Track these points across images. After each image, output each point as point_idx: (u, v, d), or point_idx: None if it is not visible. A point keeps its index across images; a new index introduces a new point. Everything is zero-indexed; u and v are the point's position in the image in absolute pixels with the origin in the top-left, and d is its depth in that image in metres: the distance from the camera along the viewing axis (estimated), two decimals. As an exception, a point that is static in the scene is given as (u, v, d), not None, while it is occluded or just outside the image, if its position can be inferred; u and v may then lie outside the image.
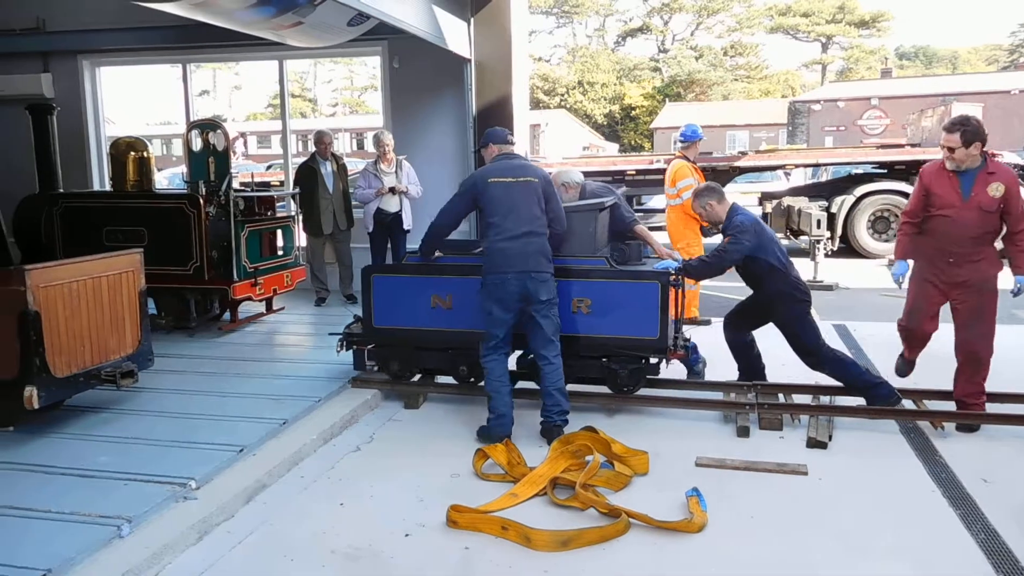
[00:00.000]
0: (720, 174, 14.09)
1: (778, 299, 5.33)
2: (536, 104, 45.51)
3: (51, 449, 4.57)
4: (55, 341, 4.64)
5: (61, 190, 8.09)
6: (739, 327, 5.65)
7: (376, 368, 5.84)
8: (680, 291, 5.38)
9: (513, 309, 4.85)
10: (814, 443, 4.76)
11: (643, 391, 5.60)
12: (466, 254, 5.62)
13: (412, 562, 3.51)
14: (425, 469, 4.50)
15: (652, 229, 16.21)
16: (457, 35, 8.60)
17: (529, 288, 4.81)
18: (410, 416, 5.48)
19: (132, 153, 7.85)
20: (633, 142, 53.06)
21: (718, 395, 5.52)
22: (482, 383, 5.23)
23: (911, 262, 5.15)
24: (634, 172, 14.82)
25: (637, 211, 16.48)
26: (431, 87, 9.42)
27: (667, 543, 3.62)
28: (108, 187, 9.28)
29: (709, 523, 3.76)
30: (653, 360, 5.41)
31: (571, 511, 3.93)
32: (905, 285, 5.20)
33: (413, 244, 6.58)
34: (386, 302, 5.60)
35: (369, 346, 5.80)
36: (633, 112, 55.20)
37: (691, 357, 5.83)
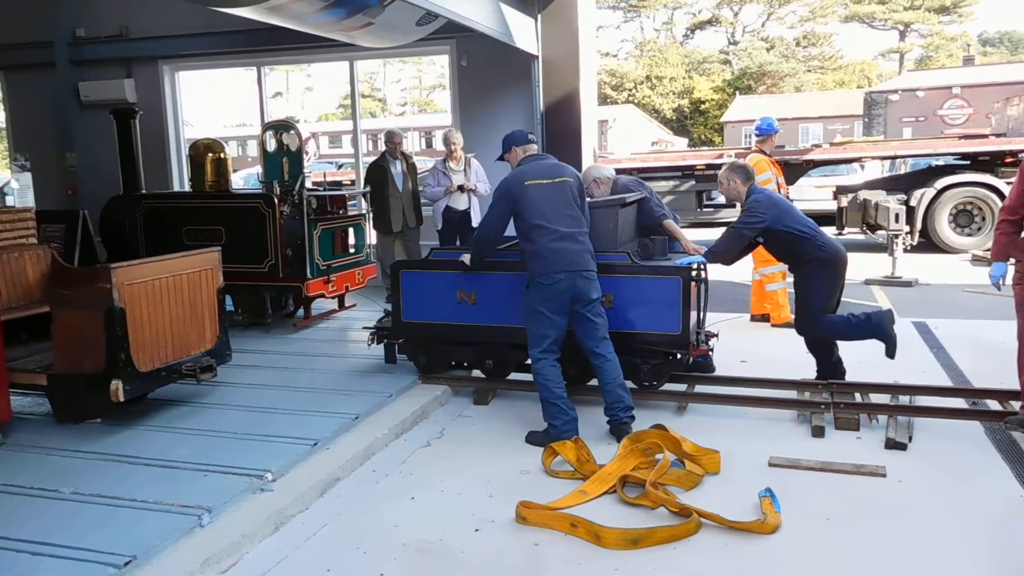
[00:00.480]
0: (793, 168, 13.78)
1: (809, 262, 5.40)
2: (604, 100, 45.17)
3: (136, 441, 4.75)
4: (139, 336, 4.81)
5: (144, 191, 8.39)
6: None
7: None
8: (702, 286, 5.41)
9: (565, 310, 4.80)
10: (893, 444, 4.62)
11: (715, 389, 5.54)
12: (491, 250, 5.63)
13: (482, 557, 3.54)
14: (494, 465, 4.53)
15: (723, 224, 16.02)
16: (525, 32, 8.61)
17: (580, 287, 4.78)
18: (480, 412, 5.51)
19: (210, 154, 8.09)
20: (703, 136, 52.29)
21: (792, 394, 5.41)
22: (510, 376, 5.39)
23: (1011, 264, 4.79)
24: (704, 167, 14.62)
25: (707, 207, 16.33)
26: (499, 84, 9.46)
27: (739, 544, 3.57)
28: (187, 188, 9.59)
29: (783, 524, 3.68)
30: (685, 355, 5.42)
31: (641, 509, 3.90)
32: (1007, 287, 4.86)
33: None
34: (414, 297, 5.73)
35: (399, 340, 5.93)
36: (703, 106, 54.38)
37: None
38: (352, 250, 8.37)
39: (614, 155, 20.45)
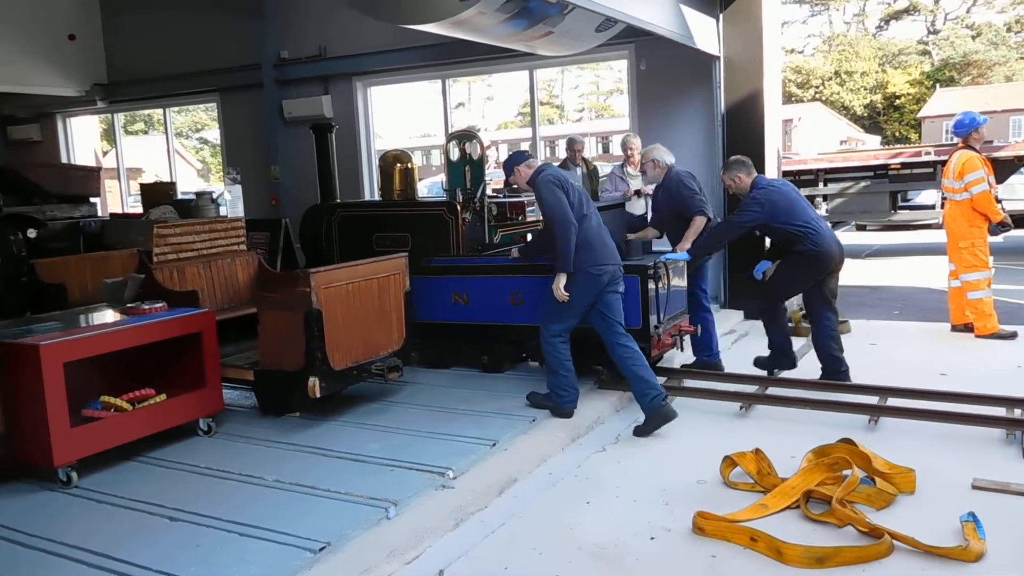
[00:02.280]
0: (1003, 164, 12.65)
1: (797, 252, 5.49)
2: (788, 98, 43.25)
3: (329, 434, 5.06)
4: (334, 337, 5.13)
5: (338, 200, 8.93)
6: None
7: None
8: (659, 284, 5.64)
9: (593, 303, 5.18)
10: (1122, 471, 4.15)
11: (911, 403, 5.19)
12: (477, 255, 6.12)
13: (657, 566, 3.50)
14: (670, 473, 4.47)
15: (922, 227, 14.96)
16: (706, 33, 8.43)
17: (616, 276, 5.23)
18: (655, 419, 5.45)
19: (398, 165, 8.47)
20: (897, 133, 48.98)
21: (1000, 411, 4.97)
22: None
23: None
24: (899, 166, 13.71)
25: (903, 208, 15.28)
26: (678, 87, 9.32)
27: (937, 571, 3.32)
28: (377, 196, 10.13)
29: (988, 553, 3.40)
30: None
31: (826, 527, 3.72)
32: None
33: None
34: (419, 300, 6.20)
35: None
36: (897, 101, 50.90)
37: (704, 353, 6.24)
38: (530, 255, 8.50)
39: (799, 155, 19.58)
